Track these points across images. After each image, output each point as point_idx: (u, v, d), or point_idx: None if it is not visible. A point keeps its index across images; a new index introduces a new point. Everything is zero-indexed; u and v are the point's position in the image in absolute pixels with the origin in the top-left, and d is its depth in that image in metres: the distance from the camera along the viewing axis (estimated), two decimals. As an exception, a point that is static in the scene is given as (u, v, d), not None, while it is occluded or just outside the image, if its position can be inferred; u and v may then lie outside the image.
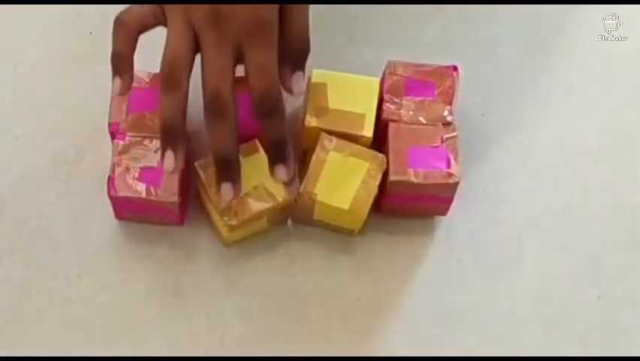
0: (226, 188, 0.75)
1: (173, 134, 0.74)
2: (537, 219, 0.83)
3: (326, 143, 0.79)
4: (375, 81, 0.81)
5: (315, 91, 0.80)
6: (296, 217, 0.81)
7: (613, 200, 0.85)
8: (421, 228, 0.82)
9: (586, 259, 0.83)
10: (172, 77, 0.74)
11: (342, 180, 0.78)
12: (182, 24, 0.74)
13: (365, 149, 0.79)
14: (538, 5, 0.91)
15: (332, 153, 0.79)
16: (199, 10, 0.74)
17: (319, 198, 0.77)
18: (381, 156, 0.79)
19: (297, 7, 0.76)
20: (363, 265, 0.81)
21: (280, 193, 0.77)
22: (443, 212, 0.82)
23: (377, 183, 0.78)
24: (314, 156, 0.79)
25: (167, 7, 0.75)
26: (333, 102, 0.80)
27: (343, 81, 0.81)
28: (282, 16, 0.76)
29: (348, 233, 0.81)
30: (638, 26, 0.91)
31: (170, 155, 0.74)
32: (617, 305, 0.81)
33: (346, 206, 0.77)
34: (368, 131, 0.79)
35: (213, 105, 0.74)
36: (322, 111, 0.80)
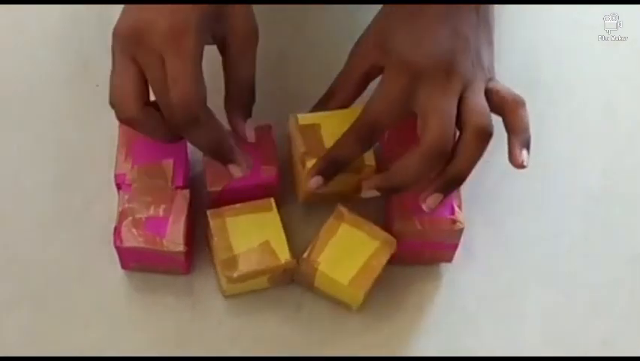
0: (233, 168, 0.77)
1: (222, 153, 0.76)
2: (540, 263, 0.84)
3: (340, 214, 0.79)
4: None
5: (308, 133, 0.79)
6: (298, 281, 0.81)
7: (616, 241, 0.85)
8: (425, 276, 0.82)
9: (590, 303, 0.83)
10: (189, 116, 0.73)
11: (348, 255, 0.77)
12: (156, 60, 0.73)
13: (378, 228, 0.78)
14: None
15: (344, 225, 0.79)
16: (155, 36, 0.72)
17: (321, 267, 0.77)
18: (391, 238, 0.78)
19: (242, 55, 0.76)
20: (370, 313, 0.81)
21: (284, 255, 0.77)
22: (448, 259, 0.82)
23: (381, 266, 0.78)
24: (326, 224, 0.78)
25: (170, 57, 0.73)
26: (329, 141, 0.78)
27: (332, 119, 0.79)
28: (228, 64, 0.77)
29: (347, 308, 0.80)
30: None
31: (233, 167, 0.77)
32: (620, 351, 0.81)
33: (345, 281, 0.77)
34: (370, 160, 0.79)
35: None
36: (320, 151, 0.78)
